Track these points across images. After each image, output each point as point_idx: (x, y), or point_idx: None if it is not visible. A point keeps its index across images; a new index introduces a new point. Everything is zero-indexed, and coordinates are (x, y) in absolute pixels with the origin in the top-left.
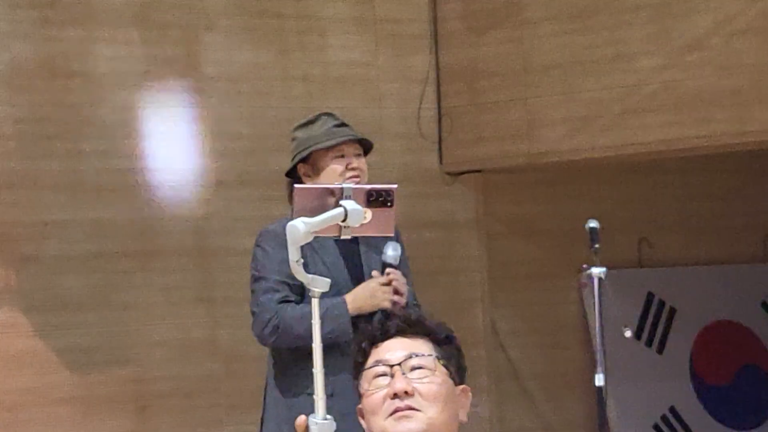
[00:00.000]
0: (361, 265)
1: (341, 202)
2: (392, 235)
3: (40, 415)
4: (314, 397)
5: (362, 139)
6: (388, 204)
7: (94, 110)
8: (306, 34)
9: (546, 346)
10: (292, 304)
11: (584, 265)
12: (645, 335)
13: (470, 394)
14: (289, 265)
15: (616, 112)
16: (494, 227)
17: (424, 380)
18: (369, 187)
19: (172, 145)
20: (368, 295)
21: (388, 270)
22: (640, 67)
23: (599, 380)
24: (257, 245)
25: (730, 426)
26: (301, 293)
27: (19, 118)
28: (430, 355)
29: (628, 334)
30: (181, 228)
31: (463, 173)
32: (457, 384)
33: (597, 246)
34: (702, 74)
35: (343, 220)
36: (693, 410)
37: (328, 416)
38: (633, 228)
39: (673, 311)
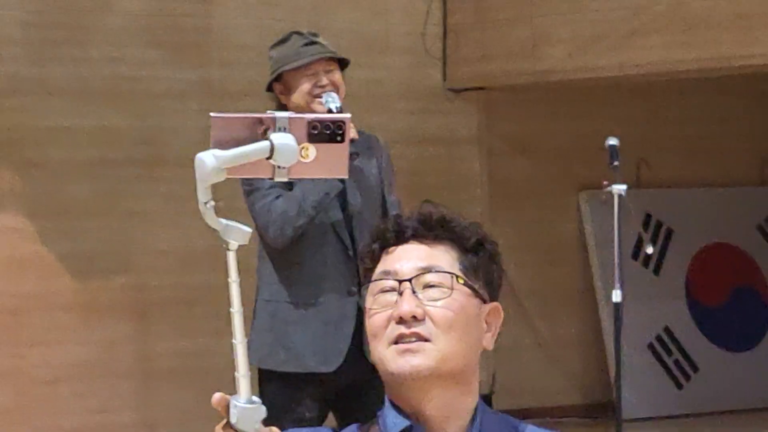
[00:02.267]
0: (347, 184)
1: (270, 135)
2: (346, 177)
3: (42, 319)
4: (235, 375)
5: (332, 56)
6: (338, 138)
7: (103, 16)
8: None
9: (543, 264)
10: (282, 197)
11: (605, 182)
12: (642, 256)
13: (502, 313)
14: None
15: (622, 33)
16: (495, 145)
17: (438, 303)
18: (312, 117)
19: (178, 53)
20: None
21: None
22: None
23: (617, 296)
24: None
25: (724, 347)
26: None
27: (27, 22)
28: (449, 272)
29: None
30: (186, 137)
31: (466, 90)
32: (486, 302)
33: (616, 164)
34: None
35: (269, 157)
36: (688, 331)
37: (255, 398)
38: (632, 149)
39: (670, 232)
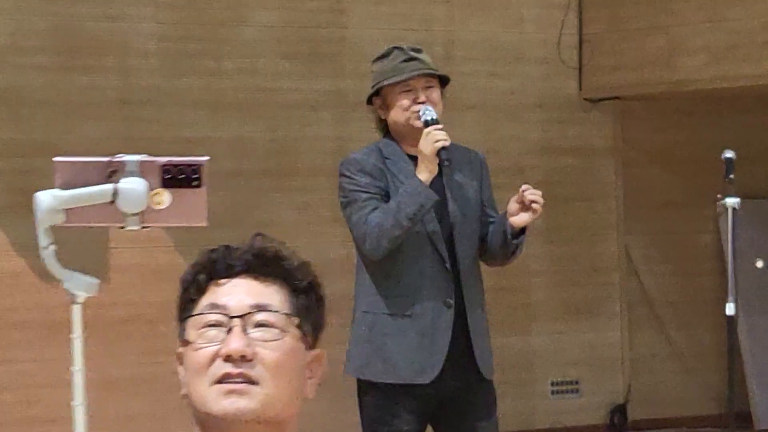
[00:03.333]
0: (445, 196)
1: (121, 180)
2: (205, 225)
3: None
4: None
5: (430, 73)
6: (194, 183)
7: (237, 28)
8: None
9: (679, 274)
10: (378, 209)
11: (718, 195)
12: None
13: (325, 361)
14: (373, 183)
15: (758, 42)
16: (631, 155)
17: (270, 344)
18: (165, 160)
19: (312, 64)
20: (422, 148)
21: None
22: None
23: (730, 309)
24: (340, 174)
25: None
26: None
27: (162, 35)
28: (284, 312)
29: (759, 264)
30: (319, 147)
31: (601, 100)
32: (309, 348)
33: (732, 176)
34: None
35: (112, 201)
36: None
37: None
38: None
39: None
